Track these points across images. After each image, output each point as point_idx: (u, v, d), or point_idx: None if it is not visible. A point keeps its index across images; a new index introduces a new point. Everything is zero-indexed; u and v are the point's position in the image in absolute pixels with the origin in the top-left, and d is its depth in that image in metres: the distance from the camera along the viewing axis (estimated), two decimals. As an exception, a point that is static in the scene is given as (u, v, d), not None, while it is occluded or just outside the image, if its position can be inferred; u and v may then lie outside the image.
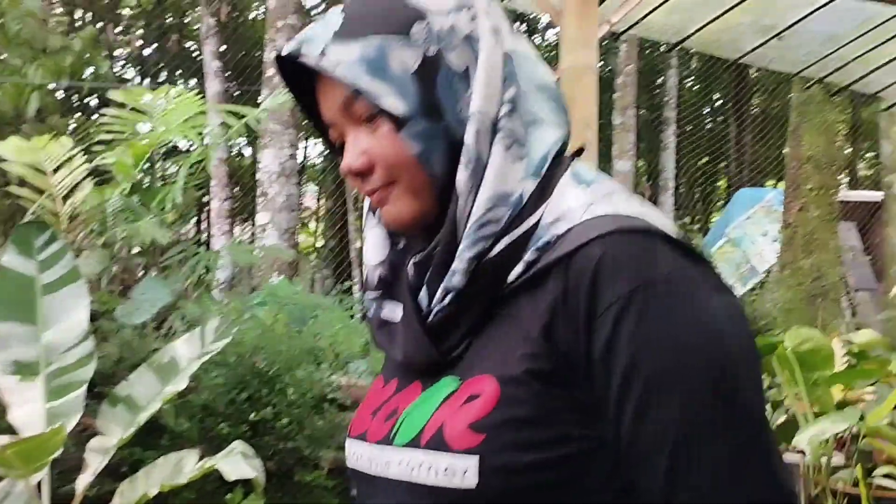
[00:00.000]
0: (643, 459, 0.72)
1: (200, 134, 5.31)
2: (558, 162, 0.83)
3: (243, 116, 4.84)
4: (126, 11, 13.42)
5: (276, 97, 4.68)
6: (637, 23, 4.67)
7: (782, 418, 2.46)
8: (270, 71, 7.80)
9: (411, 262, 0.85)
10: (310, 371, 4.02)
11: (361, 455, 0.86)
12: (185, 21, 13.77)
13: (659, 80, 14.27)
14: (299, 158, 8.07)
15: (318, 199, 16.64)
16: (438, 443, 0.76)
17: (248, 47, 12.10)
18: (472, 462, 0.73)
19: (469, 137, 0.79)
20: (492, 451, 0.73)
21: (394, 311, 0.88)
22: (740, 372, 0.73)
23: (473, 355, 0.80)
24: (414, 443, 0.78)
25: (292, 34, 7.78)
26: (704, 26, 4.81)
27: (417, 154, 0.80)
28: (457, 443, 0.74)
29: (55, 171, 4.80)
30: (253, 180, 9.44)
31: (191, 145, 5.42)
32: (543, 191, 0.81)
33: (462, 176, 0.80)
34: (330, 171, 13.11)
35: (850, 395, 2.38)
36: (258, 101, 12.40)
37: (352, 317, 6.25)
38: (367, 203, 0.91)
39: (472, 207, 0.80)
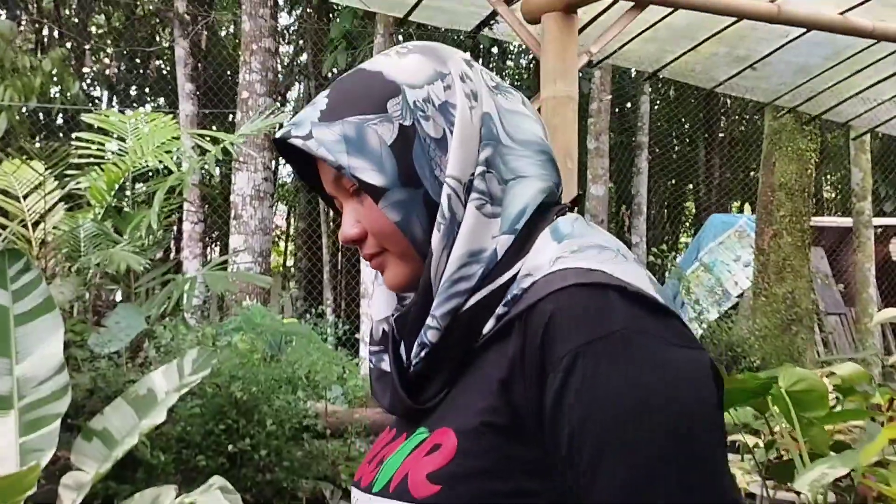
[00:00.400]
0: None
1: (177, 158, 5.25)
2: (542, 216, 0.85)
3: (220, 141, 4.80)
4: (96, 31, 13.28)
5: (252, 122, 4.64)
6: (614, 52, 4.73)
7: (772, 456, 2.47)
8: (244, 93, 7.77)
9: (392, 318, 0.90)
10: (287, 400, 3.97)
11: (357, 500, 0.89)
12: (156, 41, 13.67)
13: (627, 105, 14.47)
14: (270, 178, 8.01)
15: (288, 219, 16.55)
16: (402, 491, 0.79)
17: (220, 69, 12.06)
18: None
19: (442, 200, 0.83)
20: (447, 501, 0.75)
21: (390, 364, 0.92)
22: (694, 431, 0.71)
23: (445, 407, 0.83)
24: (384, 491, 0.82)
25: (267, 57, 7.76)
26: (680, 56, 4.88)
27: (398, 222, 0.84)
28: (417, 491, 0.77)
29: (26, 195, 4.72)
30: (225, 203, 9.36)
31: (164, 169, 5.36)
32: (522, 246, 0.83)
33: (435, 236, 0.83)
34: (302, 191, 13.04)
35: (836, 428, 2.40)
36: (231, 122, 12.34)
37: (326, 341, 6.20)
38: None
39: (445, 264, 0.83)
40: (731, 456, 2.86)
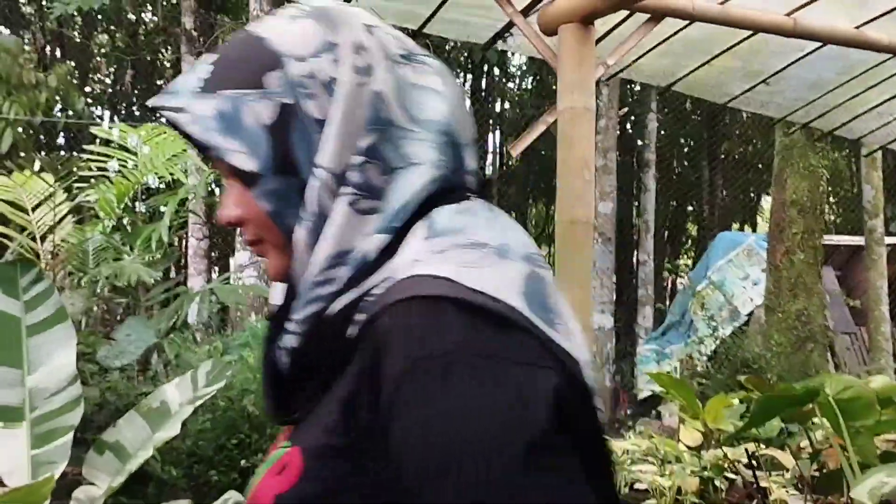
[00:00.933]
0: None
1: (185, 172, 5.22)
2: (429, 208, 0.75)
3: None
4: (99, 49, 13.32)
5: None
6: (628, 66, 4.71)
7: (814, 467, 2.41)
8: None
9: (267, 317, 0.84)
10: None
11: None
12: (160, 57, 13.71)
13: (628, 125, 14.50)
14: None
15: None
16: None
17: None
18: None
19: (308, 192, 0.74)
20: None
21: None
22: (525, 457, 0.63)
23: (306, 421, 0.75)
24: None
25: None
26: (694, 70, 4.87)
27: (270, 213, 0.76)
28: None
29: (35, 208, 4.68)
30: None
31: (170, 183, 5.31)
32: (398, 244, 0.74)
33: (300, 233, 0.75)
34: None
35: (881, 440, 2.35)
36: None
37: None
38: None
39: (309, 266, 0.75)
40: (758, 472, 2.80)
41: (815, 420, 2.43)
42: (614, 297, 8.91)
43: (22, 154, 10.53)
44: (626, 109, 7.28)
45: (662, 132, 13.23)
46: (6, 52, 7.81)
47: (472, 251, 0.71)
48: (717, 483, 2.40)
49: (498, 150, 14.70)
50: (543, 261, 0.77)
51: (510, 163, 15.60)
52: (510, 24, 4.28)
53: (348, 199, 0.74)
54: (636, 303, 10.48)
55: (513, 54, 12.09)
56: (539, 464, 0.63)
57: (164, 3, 9.86)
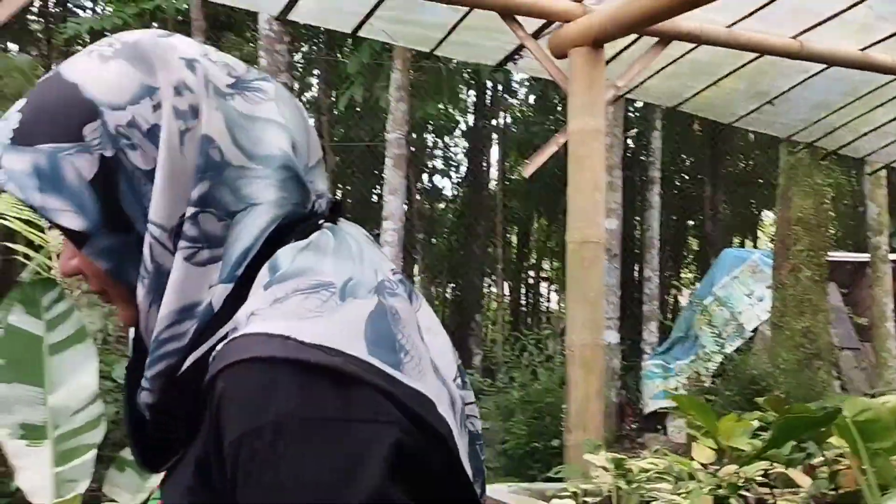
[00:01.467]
0: None
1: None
2: (274, 249, 0.71)
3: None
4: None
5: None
6: (636, 87, 4.78)
7: (827, 488, 2.45)
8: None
9: (125, 368, 0.80)
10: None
11: None
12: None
13: (629, 141, 14.58)
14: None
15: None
16: None
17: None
18: None
19: (145, 249, 0.70)
20: None
21: None
22: None
23: (170, 479, 0.74)
24: None
25: (283, 92, 7.84)
26: (701, 91, 4.94)
27: (108, 270, 0.72)
28: None
29: (50, 227, 4.73)
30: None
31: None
32: (242, 291, 0.69)
33: (140, 292, 0.71)
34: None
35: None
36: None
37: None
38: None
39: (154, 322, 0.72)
40: (766, 489, 2.83)
41: (831, 439, 2.47)
42: (619, 313, 8.95)
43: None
44: (634, 131, 7.37)
45: (665, 149, 13.35)
46: (19, 71, 7.90)
47: (313, 296, 0.66)
48: (732, 501, 2.45)
49: (500, 164, 14.78)
50: (398, 284, 0.73)
51: (513, 177, 15.69)
52: (521, 47, 4.35)
53: (185, 254, 0.70)
54: (641, 318, 10.52)
55: (516, 73, 12.18)
56: None
57: (174, 21, 9.97)
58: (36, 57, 12.98)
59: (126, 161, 0.70)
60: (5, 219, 4.54)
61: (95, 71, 0.72)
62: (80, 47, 12.26)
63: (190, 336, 0.69)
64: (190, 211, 0.70)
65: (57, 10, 11.02)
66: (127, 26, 9.28)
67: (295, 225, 0.72)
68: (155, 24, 11.17)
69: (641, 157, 13.14)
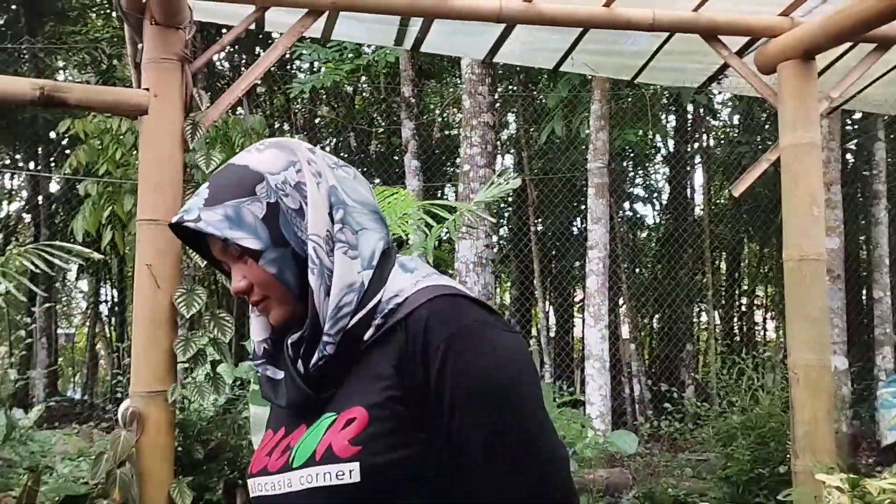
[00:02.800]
0: (466, 451, 1.05)
1: (418, 228, 5.61)
2: (387, 256, 1.17)
3: (453, 210, 5.08)
4: (320, 121, 14.51)
5: (487, 190, 4.89)
6: (853, 97, 4.56)
7: None
8: (466, 166, 8.16)
9: (288, 342, 1.16)
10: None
11: (265, 484, 1.15)
12: (374, 125, 14.73)
13: (848, 155, 13.60)
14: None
15: (496, 287, 16.83)
16: (329, 457, 1.06)
17: (430, 145, 12.74)
18: (356, 465, 1.04)
19: (310, 251, 1.12)
20: (368, 455, 1.04)
21: (276, 373, 1.20)
22: (527, 380, 1.09)
23: (343, 395, 1.11)
24: (310, 461, 1.08)
25: (486, 130, 8.16)
26: (927, 96, 4.62)
27: (275, 274, 1.13)
28: (342, 453, 1.05)
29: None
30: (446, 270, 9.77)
31: (404, 237, 5.72)
32: (380, 277, 1.14)
33: (311, 278, 1.11)
34: (514, 260, 13.33)
35: None
36: (441, 195, 12.94)
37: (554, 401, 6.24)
38: None
39: (323, 299, 1.11)
40: None
41: None
42: (846, 338, 8.36)
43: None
44: (854, 143, 6.94)
45: (892, 160, 12.37)
46: (253, 132, 8.79)
47: (440, 276, 1.16)
48: None
49: (705, 188, 14.31)
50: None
51: (719, 201, 15.12)
52: (724, 66, 4.31)
53: (342, 250, 1.13)
54: (873, 343, 9.75)
55: (719, 92, 11.82)
56: (539, 396, 1.10)
57: (385, 75, 10.66)
58: (260, 116, 14.30)
59: (283, 204, 1.14)
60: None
61: (257, 157, 1.18)
62: (298, 106, 13.39)
63: (354, 303, 1.11)
64: (337, 226, 1.14)
65: (278, 73, 12.13)
66: (343, 83, 10.07)
67: (388, 243, 1.20)
68: (366, 79, 12.00)
69: (864, 172, 12.24)
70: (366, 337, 1.11)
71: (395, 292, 1.13)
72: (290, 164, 1.16)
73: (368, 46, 9.45)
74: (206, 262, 1.32)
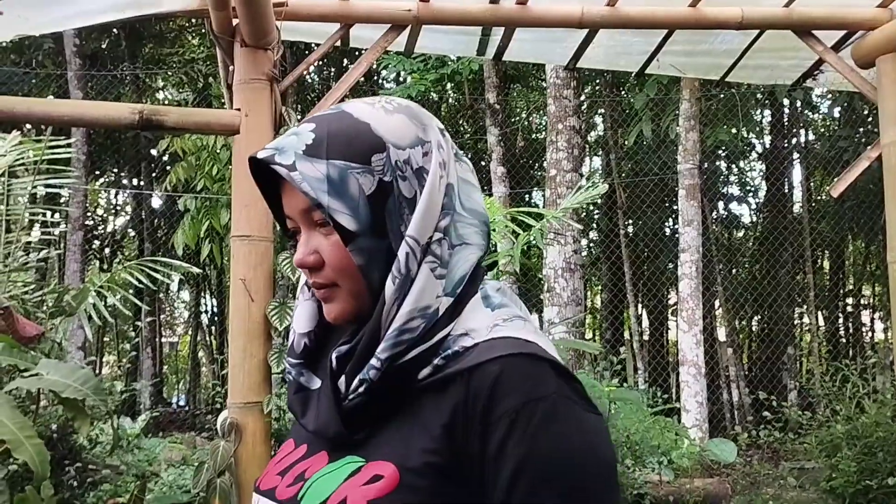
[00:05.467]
0: None
1: (505, 236, 5.61)
2: (473, 280, 0.96)
3: (541, 217, 5.06)
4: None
5: (573, 196, 4.85)
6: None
7: None
8: (552, 171, 8.11)
9: (334, 355, 0.96)
10: (622, 469, 3.99)
11: None
12: (461, 132, 14.81)
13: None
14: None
15: (585, 291, 16.63)
16: None
17: (516, 151, 12.71)
18: None
19: (401, 255, 0.91)
20: None
21: (311, 381, 1.01)
22: (604, 476, 0.87)
23: (378, 440, 0.91)
24: None
25: (572, 134, 8.08)
26: None
27: (360, 266, 0.92)
28: None
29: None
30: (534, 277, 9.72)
31: (493, 246, 5.73)
32: (456, 307, 0.93)
33: (389, 288, 0.91)
34: (604, 264, 13.16)
35: None
36: (528, 201, 12.88)
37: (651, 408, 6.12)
38: (302, 277, 1.02)
39: (395, 315, 0.91)
40: None
41: None
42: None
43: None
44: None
45: None
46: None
47: (526, 324, 0.94)
48: None
49: (805, 185, 13.80)
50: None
51: (819, 198, 14.56)
52: (819, 62, 4.15)
53: (430, 266, 0.93)
54: None
55: (814, 88, 11.38)
56: (615, 487, 0.89)
57: (469, 81, 10.71)
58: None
59: (396, 188, 0.93)
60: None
61: (383, 118, 0.95)
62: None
63: (418, 331, 0.91)
64: (436, 236, 0.93)
65: (365, 85, 12.36)
66: (428, 91, 10.17)
67: (481, 261, 0.98)
68: (450, 86, 12.07)
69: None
70: (421, 376, 0.91)
71: (466, 330, 0.93)
72: (418, 142, 0.95)
73: (452, 55, 9.52)
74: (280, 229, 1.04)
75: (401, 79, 11.55)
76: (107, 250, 16.25)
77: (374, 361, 0.91)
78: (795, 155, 13.67)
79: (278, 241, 3.79)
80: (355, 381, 0.93)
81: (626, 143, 11.69)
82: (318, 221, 0.94)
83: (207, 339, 17.56)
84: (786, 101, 12.32)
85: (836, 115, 14.20)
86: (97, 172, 14.73)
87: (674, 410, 7.93)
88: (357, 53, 11.85)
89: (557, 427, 0.85)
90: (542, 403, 0.86)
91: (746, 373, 12.49)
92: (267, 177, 0.99)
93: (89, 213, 14.54)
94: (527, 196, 13.03)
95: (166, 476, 4.00)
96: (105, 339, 16.80)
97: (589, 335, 15.52)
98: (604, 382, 6.15)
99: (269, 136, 3.55)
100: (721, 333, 12.60)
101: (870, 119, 12.43)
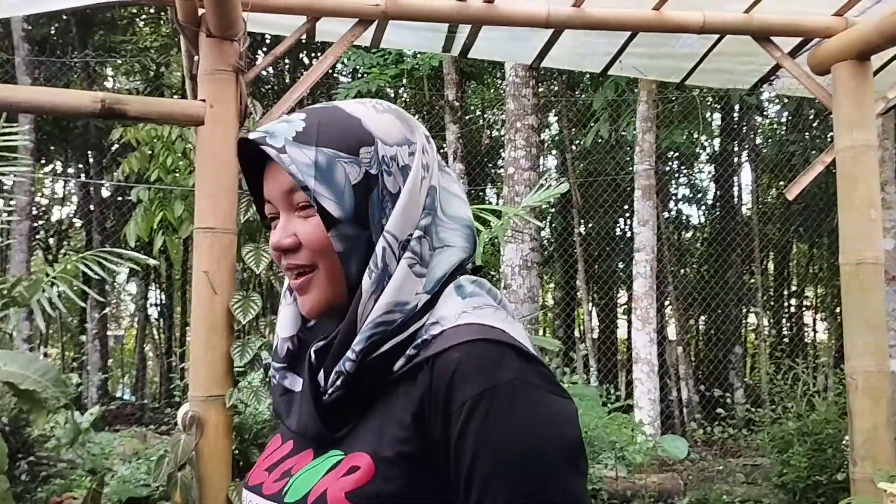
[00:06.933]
0: None
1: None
2: (451, 275, 0.98)
3: (500, 215, 5.09)
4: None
5: (534, 195, 4.89)
6: (910, 95, 4.46)
7: None
8: (510, 169, 8.16)
9: (312, 349, 0.98)
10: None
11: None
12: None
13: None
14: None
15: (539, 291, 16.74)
16: None
17: (474, 149, 12.75)
18: None
19: (378, 250, 0.94)
20: None
21: (294, 383, 1.03)
22: (565, 460, 0.87)
23: (356, 434, 0.93)
24: (301, 502, 0.91)
25: (530, 133, 8.15)
26: None
27: (340, 252, 0.94)
28: None
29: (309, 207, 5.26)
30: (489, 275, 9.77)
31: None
32: (431, 302, 0.95)
33: (366, 281, 0.93)
34: (558, 261, 13.29)
35: None
36: (483, 198, 12.94)
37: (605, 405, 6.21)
38: (285, 283, 1.05)
39: (371, 308, 0.93)
40: None
41: None
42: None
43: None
44: (889, 140, 6.79)
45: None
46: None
47: (497, 312, 0.95)
48: None
49: (754, 187, 14.11)
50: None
51: (767, 200, 14.89)
52: (776, 68, 4.26)
53: (408, 262, 0.95)
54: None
55: (770, 93, 11.63)
56: (578, 473, 0.89)
57: (428, 77, 10.72)
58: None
59: (381, 181, 0.95)
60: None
61: (374, 115, 0.99)
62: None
63: (394, 325, 0.93)
64: (416, 233, 0.95)
65: (321, 77, 12.31)
66: (387, 86, 10.17)
67: (465, 262, 1.00)
68: (409, 82, 12.06)
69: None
70: (395, 367, 0.93)
71: (436, 318, 0.94)
72: (405, 142, 0.98)
73: (410, 51, 9.50)
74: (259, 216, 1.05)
75: (359, 73, 11.50)
76: (52, 240, 15.86)
77: (349, 354, 0.93)
78: (745, 157, 13.97)
79: (243, 235, 3.75)
80: (332, 375, 0.94)
81: (583, 142, 11.82)
82: (298, 204, 0.96)
83: (155, 332, 17.26)
84: (736, 105, 12.57)
85: (784, 119, 14.54)
86: (43, 161, 14.37)
87: (630, 408, 8.04)
88: (316, 46, 11.76)
89: (515, 414, 0.86)
90: (501, 390, 0.86)
91: (694, 371, 12.74)
92: (251, 162, 1.02)
93: (34, 202, 14.18)
94: (481, 193, 13.09)
95: (122, 470, 3.94)
96: (48, 331, 16.41)
97: (541, 332, 15.63)
98: (565, 378, 6.23)
99: (234, 127, 3.52)
100: (671, 332, 12.84)
101: (816, 123, 12.76)
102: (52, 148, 14.21)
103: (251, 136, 0.96)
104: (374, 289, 0.93)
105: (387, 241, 0.94)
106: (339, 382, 0.94)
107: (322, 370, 0.96)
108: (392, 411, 0.92)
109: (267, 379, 3.63)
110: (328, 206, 0.93)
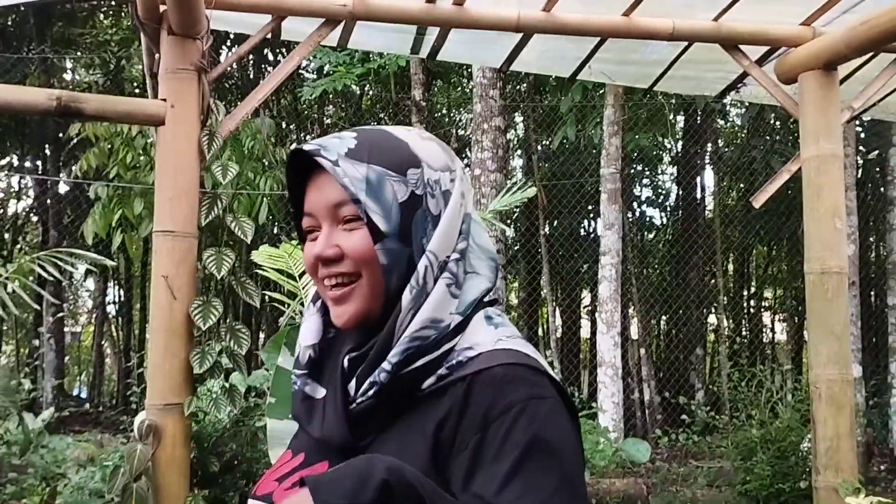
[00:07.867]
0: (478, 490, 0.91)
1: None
2: (479, 305, 1.04)
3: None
4: (330, 122, 14.47)
5: (503, 197, 4.85)
6: (873, 105, 4.51)
7: None
8: (477, 170, 8.12)
9: (347, 357, 1.02)
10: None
11: None
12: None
13: (859, 160, 13.48)
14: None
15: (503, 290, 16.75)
16: None
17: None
18: None
19: (420, 268, 1.00)
20: None
21: (315, 391, 1.06)
22: (578, 466, 0.96)
23: (379, 446, 0.96)
24: None
25: (497, 135, 8.12)
26: (948, 105, 4.57)
27: (384, 265, 0.99)
28: None
29: (301, 275, 5.16)
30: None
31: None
32: (462, 324, 1.01)
33: (407, 295, 0.99)
34: (522, 261, 13.29)
35: None
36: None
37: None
38: (310, 293, 1.11)
39: (409, 322, 0.98)
40: None
41: None
42: (861, 345, 8.31)
43: (278, 224, 11.58)
44: (876, 152, 6.88)
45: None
46: (259, 134, 8.77)
47: (525, 343, 1.03)
48: None
49: (716, 190, 14.25)
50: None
51: (728, 203, 15.06)
52: (744, 75, 4.27)
53: (446, 282, 1.01)
54: (886, 350, 9.69)
55: (736, 101, 11.74)
56: (581, 481, 0.97)
57: (395, 76, 10.63)
58: (269, 119, 14.26)
59: (425, 203, 1.01)
60: (265, 270, 5.03)
61: (419, 141, 1.05)
62: (305, 107, 13.37)
63: (428, 341, 0.98)
64: (454, 256, 1.02)
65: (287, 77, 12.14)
66: (354, 85, 10.05)
67: (489, 292, 1.06)
68: (375, 81, 11.97)
69: (876, 176, 12.16)
70: (424, 385, 0.98)
71: (470, 344, 1.00)
72: (447, 168, 1.05)
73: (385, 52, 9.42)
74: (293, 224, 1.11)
75: (324, 71, 11.38)
76: (7, 235, 15.47)
77: (385, 365, 0.97)
78: (707, 161, 14.10)
79: (203, 238, 3.66)
80: (365, 384, 0.98)
81: (549, 144, 11.83)
82: (344, 218, 1.00)
83: (113, 330, 16.94)
84: (699, 110, 12.68)
85: (746, 123, 14.71)
86: (-2, 155, 14.02)
87: (594, 413, 8.03)
88: (281, 42, 11.61)
89: (551, 424, 0.94)
90: (546, 401, 0.95)
91: (656, 372, 12.82)
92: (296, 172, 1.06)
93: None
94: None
95: (75, 478, 3.83)
96: (2, 327, 16.02)
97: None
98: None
99: (195, 127, 3.43)
100: (634, 333, 12.91)
101: (777, 127, 12.92)
102: (8, 143, 13.86)
103: (306, 147, 1.01)
104: (413, 304, 0.99)
105: (429, 259, 1.00)
106: (371, 392, 0.98)
107: (354, 379, 1.00)
108: (417, 426, 0.96)
109: (225, 386, 3.55)
110: (377, 220, 0.98)
